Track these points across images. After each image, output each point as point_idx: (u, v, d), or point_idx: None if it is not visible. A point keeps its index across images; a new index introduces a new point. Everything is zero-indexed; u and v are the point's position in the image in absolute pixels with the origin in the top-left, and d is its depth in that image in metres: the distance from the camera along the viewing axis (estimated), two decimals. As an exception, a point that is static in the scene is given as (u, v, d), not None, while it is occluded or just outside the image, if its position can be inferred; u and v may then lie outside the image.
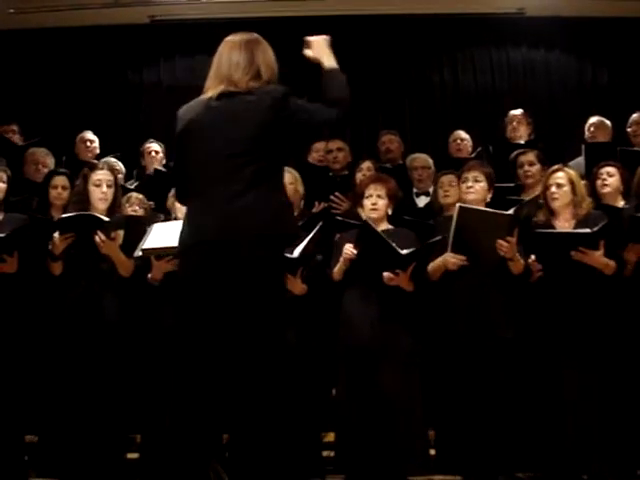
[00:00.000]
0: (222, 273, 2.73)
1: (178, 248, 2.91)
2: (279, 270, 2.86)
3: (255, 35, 2.99)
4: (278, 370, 2.76)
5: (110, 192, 4.16)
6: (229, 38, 2.99)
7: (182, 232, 2.87)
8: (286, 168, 4.81)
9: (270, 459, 2.72)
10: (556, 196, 4.08)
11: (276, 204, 2.83)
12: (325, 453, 4.26)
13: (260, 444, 2.72)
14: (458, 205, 3.94)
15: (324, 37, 3.10)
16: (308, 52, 3.09)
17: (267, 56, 2.95)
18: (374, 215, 4.16)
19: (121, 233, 4.01)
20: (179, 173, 2.96)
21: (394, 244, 3.91)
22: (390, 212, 4.22)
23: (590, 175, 4.56)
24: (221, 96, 2.84)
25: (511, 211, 3.93)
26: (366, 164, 5.10)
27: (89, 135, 6.03)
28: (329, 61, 3.06)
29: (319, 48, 3.07)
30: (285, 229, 2.85)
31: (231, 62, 2.89)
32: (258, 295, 2.74)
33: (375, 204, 4.16)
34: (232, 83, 2.85)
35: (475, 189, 4.15)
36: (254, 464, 2.72)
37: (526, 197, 4.69)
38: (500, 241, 3.90)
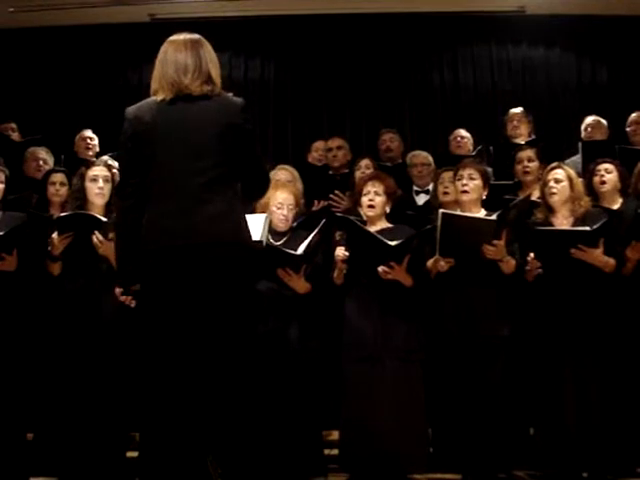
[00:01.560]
0: (188, 277, 2.74)
1: (142, 249, 2.85)
2: (246, 276, 2.86)
3: (198, 36, 2.98)
4: (240, 368, 2.78)
5: (107, 187, 4.16)
6: (172, 38, 2.97)
7: (145, 233, 2.84)
8: (285, 166, 4.87)
9: (254, 457, 2.74)
10: (554, 191, 4.09)
11: (240, 212, 2.87)
12: (329, 452, 4.27)
13: (240, 443, 2.75)
14: (441, 211, 3.94)
15: None
16: None
17: (213, 58, 2.94)
18: (371, 213, 4.17)
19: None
20: (133, 178, 2.90)
21: (382, 238, 3.92)
22: (388, 210, 4.22)
23: (587, 172, 4.56)
24: (175, 100, 2.84)
25: (494, 216, 3.91)
26: (365, 162, 5.10)
27: (89, 133, 6.03)
28: None
29: None
30: (245, 240, 2.86)
31: (178, 64, 2.87)
32: (225, 299, 2.76)
33: (372, 201, 4.16)
34: (184, 87, 2.84)
35: (470, 187, 4.14)
36: (241, 461, 2.75)
37: (523, 195, 4.68)
38: (486, 246, 3.90)
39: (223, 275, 2.76)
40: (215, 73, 2.90)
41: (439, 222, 3.89)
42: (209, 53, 2.93)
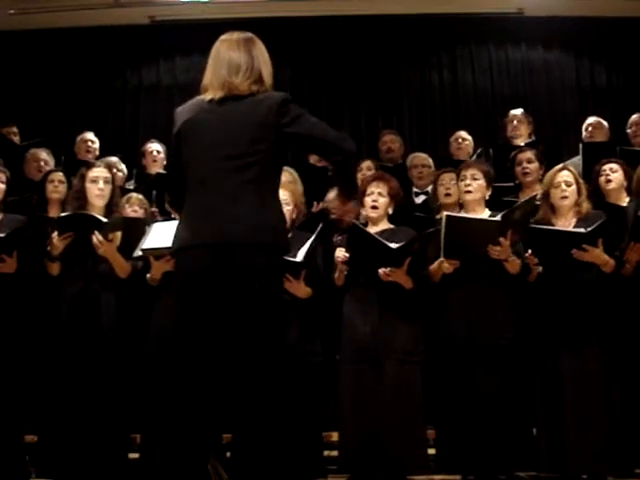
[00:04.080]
0: (219, 276, 2.71)
1: (174, 248, 2.88)
2: (277, 276, 2.84)
3: (250, 34, 2.97)
4: (274, 371, 2.75)
5: (107, 189, 4.16)
6: (225, 37, 2.95)
7: (178, 232, 2.85)
8: (285, 168, 4.86)
9: (269, 460, 2.72)
10: (566, 194, 4.08)
11: (273, 213, 2.83)
12: (328, 453, 4.26)
13: (259, 445, 2.71)
14: (445, 214, 3.95)
15: None
16: None
17: (265, 57, 2.93)
18: (374, 214, 4.17)
19: (119, 234, 4.00)
20: (176, 174, 2.94)
21: (384, 240, 3.92)
22: (391, 211, 4.22)
23: (589, 175, 4.56)
24: (224, 100, 2.83)
25: (499, 216, 3.92)
26: (366, 163, 5.11)
27: (90, 136, 6.04)
28: None
29: None
30: (280, 240, 2.83)
31: (230, 63, 2.85)
32: (255, 298, 2.72)
33: (376, 201, 4.16)
34: (234, 87, 2.82)
35: (474, 187, 4.15)
36: (254, 465, 2.71)
37: (523, 196, 4.69)
38: (491, 246, 3.91)
39: (246, 277, 2.71)
40: (266, 72, 2.90)
41: (443, 224, 3.90)
42: (261, 52, 2.92)
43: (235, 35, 2.95)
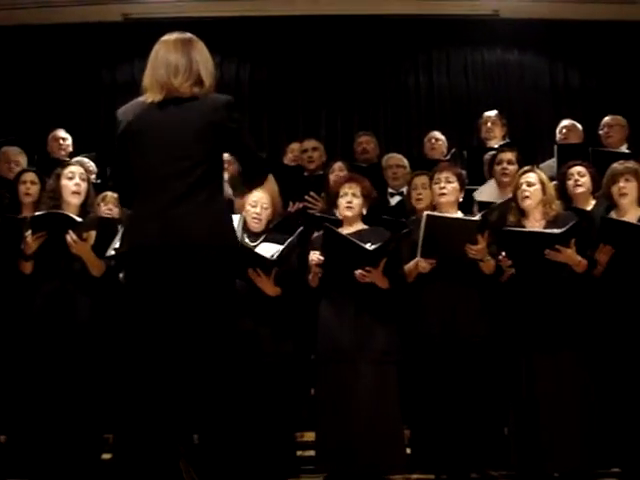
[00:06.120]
0: (166, 278, 2.74)
1: (123, 250, 2.89)
2: (227, 274, 2.86)
3: (190, 35, 2.97)
4: (226, 366, 2.78)
5: (83, 186, 4.13)
6: (164, 38, 2.96)
7: (125, 235, 2.88)
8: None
9: (227, 458, 2.73)
10: (527, 194, 4.13)
11: (217, 213, 2.85)
12: (302, 453, 4.26)
13: (216, 443, 2.74)
14: (426, 213, 3.98)
15: None
16: None
17: (205, 58, 2.94)
18: (349, 213, 4.18)
19: (93, 234, 4.00)
20: (122, 177, 2.95)
21: (359, 242, 3.93)
22: (365, 212, 4.24)
23: (559, 175, 4.61)
24: (165, 102, 2.84)
25: (479, 216, 3.96)
26: (338, 164, 5.13)
27: (61, 133, 6.00)
28: None
29: None
30: (224, 241, 2.84)
31: (169, 65, 2.87)
32: (206, 297, 2.75)
33: (350, 202, 4.18)
34: (173, 89, 2.84)
35: (448, 189, 4.19)
36: (215, 463, 2.74)
37: (499, 197, 4.72)
38: (469, 245, 3.95)
39: (197, 276, 2.75)
40: (205, 73, 2.90)
41: (423, 224, 3.93)
42: (200, 53, 2.93)
43: (174, 36, 2.96)
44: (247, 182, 3.11)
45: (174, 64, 2.86)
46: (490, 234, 3.99)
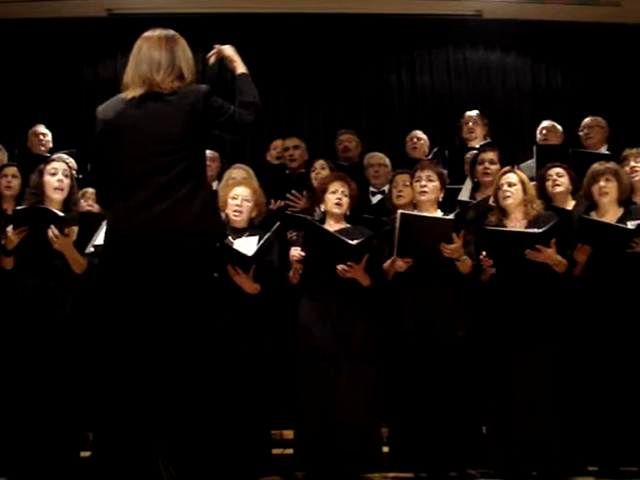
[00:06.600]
0: (147, 271, 2.75)
1: (105, 244, 2.91)
2: (204, 268, 2.87)
3: (173, 32, 3.00)
4: (200, 364, 2.78)
5: (67, 182, 4.12)
6: (147, 34, 2.98)
7: (108, 230, 2.88)
8: (240, 165, 4.89)
9: (204, 456, 2.74)
10: (508, 194, 4.16)
11: (202, 202, 2.85)
12: (282, 451, 4.28)
13: (193, 440, 2.74)
14: (399, 212, 4.00)
15: (230, 46, 3.21)
16: (226, 49, 3.17)
17: (187, 55, 2.96)
18: (337, 210, 4.20)
19: (75, 229, 3.98)
20: (101, 174, 2.96)
21: (342, 237, 3.95)
22: (348, 212, 4.26)
23: (539, 177, 4.65)
24: (145, 97, 2.85)
25: (452, 215, 3.98)
26: (319, 163, 5.13)
27: (42, 129, 5.97)
28: (241, 67, 3.15)
29: (232, 53, 3.17)
30: (210, 228, 2.87)
31: (152, 61, 2.89)
32: (182, 292, 2.76)
33: (340, 199, 4.20)
34: (155, 84, 2.85)
35: (429, 188, 4.21)
36: (193, 460, 2.74)
37: (480, 196, 4.74)
38: (443, 244, 3.97)
39: (178, 267, 2.76)
40: (187, 71, 2.92)
41: (398, 223, 3.94)
42: (183, 50, 2.95)
43: (157, 33, 2.98)
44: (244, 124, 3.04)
45: (157, 60, 2.88)
46: (468, 233, 4.00)
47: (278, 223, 4.16)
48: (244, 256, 3.93)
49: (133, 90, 2.88)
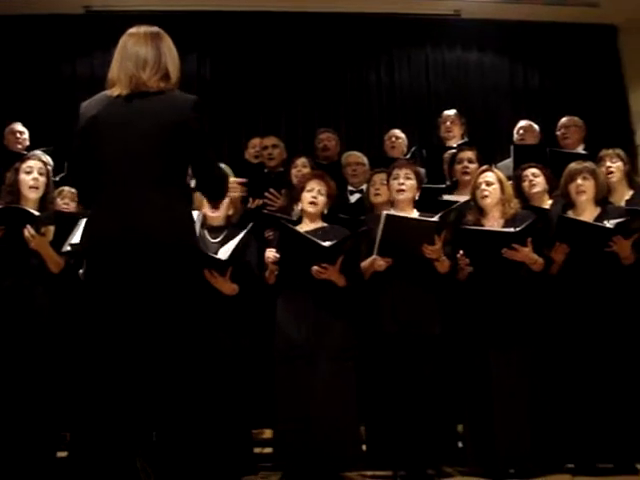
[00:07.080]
0: (126, 274, 2.71)
1: (82, 247, 2.87)
2: (186, 273, 2.82)
3: (158, 29, 2.96)
4: (187, 367, 2.76)
5: (42, 180, 4.10)
6: (132, 31, 2.93)
7: (87, 230, 2.83)
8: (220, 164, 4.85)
9: (185, 457, 2.72)
10: (486, 193, 4.19)
11: (182, 211, 2.83)
12: (260, 450, 4.27)
13: (175, 442, 2.72)
14: (385, 213, 4.01)
15: None
16: None
17: (173, 53, 2.93)
18: (311, 209, 4.19)
19: (51, 229, 3.96)
20: (81, 172, 2.90)
21: (315, 239, 3.95)
22: (326, 211, 4.26)
23: (515, 177, 4.68)
24: (131, 96, 2.81)
25: (436, 217, 4.00)
26: (301, 160, 5.13)
27: (18, 127, 5.92)
28: None
29: None
30: (187, 237, 2.83)
31: (137, 58, 2.84)
32: (164, 296, 2.73)
33: (315, 198, 4.19)
34: (141, 83, 2.81)
35: (407, 186, 4.23)
36: (171, 461, 2.72)
37: (459, 195, 4.76)
38: (426, 246, 3.99)
39: (156, 273, 2.72)
40: (172, 68, 2.88)
41: (382, 223, 3.95)
42: (168, 48, 2.91)
43: (142, 29, 2.93)
44: (206, 196, 3.12)
45: (143, 57, 2.83)
46: (448, 233, 4.03)
47: (252, 224, 4.14)
48: (219, 260, 3.91)
49: (119, 88, 2.83)
